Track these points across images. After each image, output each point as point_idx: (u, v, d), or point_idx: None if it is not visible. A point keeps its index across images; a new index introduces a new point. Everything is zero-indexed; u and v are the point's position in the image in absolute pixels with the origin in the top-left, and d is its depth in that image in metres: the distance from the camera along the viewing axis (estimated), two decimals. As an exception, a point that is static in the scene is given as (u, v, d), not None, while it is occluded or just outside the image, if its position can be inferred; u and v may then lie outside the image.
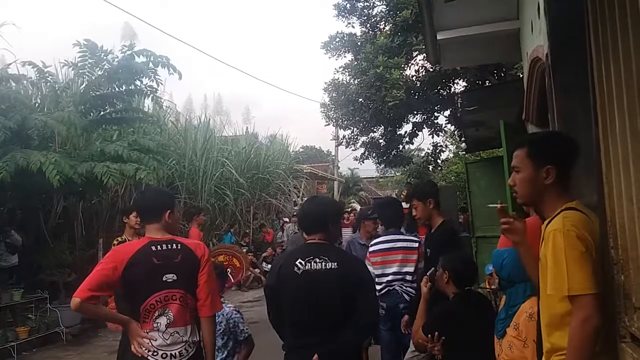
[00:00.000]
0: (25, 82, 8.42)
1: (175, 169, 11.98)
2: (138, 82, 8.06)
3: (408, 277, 4.14)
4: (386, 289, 4.13)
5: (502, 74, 10.81)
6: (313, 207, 2.98)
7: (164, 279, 2.58)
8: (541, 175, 1.88)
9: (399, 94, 10.75)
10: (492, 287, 4.76)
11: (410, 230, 5.23)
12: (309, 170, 19.87)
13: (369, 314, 2.80)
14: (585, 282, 1.65)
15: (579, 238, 1.70)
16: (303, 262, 2.74)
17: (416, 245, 4.21)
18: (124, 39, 8.46)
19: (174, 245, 2.67)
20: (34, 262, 7.95)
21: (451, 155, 20.94)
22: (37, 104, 8.71)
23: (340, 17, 12.88)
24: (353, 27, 13.07)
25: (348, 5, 12.74)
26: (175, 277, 2.60)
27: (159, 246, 2.63)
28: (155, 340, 2.55)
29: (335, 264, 2.73)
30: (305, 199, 17.04)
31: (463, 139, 11.85)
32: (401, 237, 4.33)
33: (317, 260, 2.74)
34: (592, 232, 1.75)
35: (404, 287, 4.12)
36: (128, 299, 2.65)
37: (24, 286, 7.20)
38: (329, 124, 14.60)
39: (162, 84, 8.06)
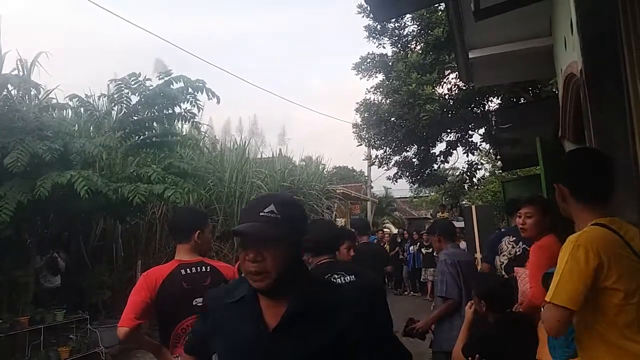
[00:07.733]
0: (67, 110, 8.74)
1: (213, 191, 12.12)
2: (177, 108, 8.11)
3: None
4: None
5: (537, 91, 10.62)
6: None
7: (194, 302, 2.54)
8: (557, 193, 1.93)
9: (432, 109, 10.69)
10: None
11: None
12: (342, 191, 19.81)
13: None
14: (567, 294, 1.63)
15: (587, 253, 1.65)
16: None
17: None
18: (156, 72, 8.65)
19: (203, 267, 2.65)
20: (75, 283, 8.15)
21: (487, 174, 20.59)
22: (78, 130, 9.00)
23: (371, 38, 12.99)
24: (384, 47, 13.20)
25: (379, 26, 12.82)
26: None
27: (187, 269, 2.61)
28: None
29: None
30: (339, 219, 16.70)
31: (499, 157, 11.66)
32: None
33: None
34: (612, 250, 1.68)
35: None
36: (160, 324, 2.63)
37: (65, 307, 7.38)
38: (361, 144, 14.63)
39: (202, 109, 8.15)
